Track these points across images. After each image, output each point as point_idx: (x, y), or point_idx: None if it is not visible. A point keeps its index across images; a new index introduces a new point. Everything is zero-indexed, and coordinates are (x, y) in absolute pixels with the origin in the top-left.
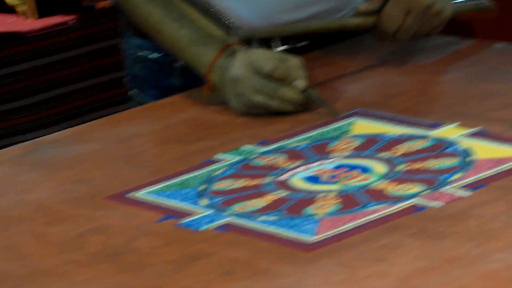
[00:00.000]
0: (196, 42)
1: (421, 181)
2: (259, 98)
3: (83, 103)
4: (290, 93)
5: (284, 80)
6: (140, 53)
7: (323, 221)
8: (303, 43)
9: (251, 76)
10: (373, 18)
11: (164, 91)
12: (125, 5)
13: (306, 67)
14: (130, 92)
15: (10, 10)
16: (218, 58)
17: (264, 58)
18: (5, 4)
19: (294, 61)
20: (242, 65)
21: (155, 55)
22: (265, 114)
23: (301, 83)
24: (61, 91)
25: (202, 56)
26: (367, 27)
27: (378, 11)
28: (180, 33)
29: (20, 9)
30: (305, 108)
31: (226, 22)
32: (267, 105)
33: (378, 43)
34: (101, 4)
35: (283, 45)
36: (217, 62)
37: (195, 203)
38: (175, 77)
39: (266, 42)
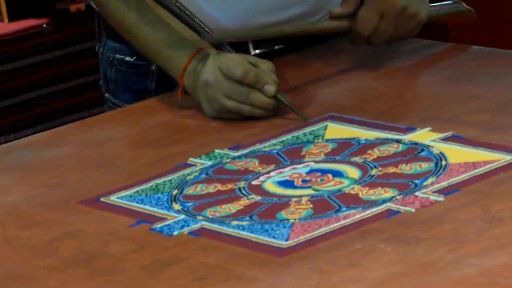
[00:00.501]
0: (170, 46)
1: (394, 185)
2: (230, 103)
3: (57, 106)
4: (261, 98)
5: (255, 85)
6: (115, 56)
7: (296, 226)
8: (278, 47)
9: (222, 81)
10: (347, 22)
11: (139, 95)
12: (101, 9)
13: (278, 71)
14: (105, 95)
15: None
16: (191, 62)
17: (235, 63)
18: None
19: (265, 66)
20: (213, 69)
21: (130, 58)
22: (238, 119)
23: (271, 88)
24: (34, 94)
25: (176, 60)
26: (341, 30)
27: (352, 15)
28: (154, 37)
29: None
30: (277, 112)
31: (201, 25)
32: (238, 110)
33: (353, 46)
34: (75, 7)
35: (258, 48)
36: (190, 66)
37: (168, 208)
38: (150, 81)
39: (240, 45)
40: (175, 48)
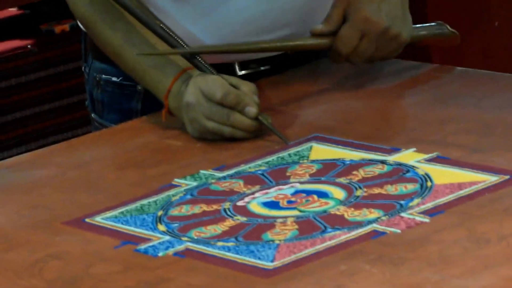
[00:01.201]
0: (155, 67)
1: (380, 206)
2: (211, 124)
3: (41, 127)
4: (242, 120)
5: (235, 107)
6: (101, 77)
7: (282, 247)
8: (264, 68)
9: (203, 103)
10: (328, 40)
11: (125, 115)
12: (88, 30)
13: (263, 92)
14: (91, 115)
15: None
16: (175, 83)
17: (216, 85)
18: None
19: (247, 88)
20: (194, 91)
21: (116, 79)
22: (221, 140)
23: (252, 110)
24: (19, 115)
25: (160, 81)
26: (322, 48)
27: (334, 33)
28: (140, 59)
29: None
30: (258, 134)
31: (173, 37)
32: (219, 131)
33: (337, 67)
34: (60, 28)
35: (244, 69)
36: (174, 88)
37: (153, 228)
38: (136, 101)
39: (226, 66)
40: (160, 69)
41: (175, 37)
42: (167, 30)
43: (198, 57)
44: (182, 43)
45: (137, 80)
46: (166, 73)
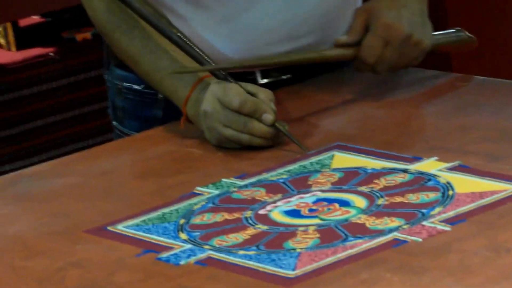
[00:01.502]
0: (172, 75)
1: (401, 215)
2: (229, 132)
3: (62, 135)
4: (259, 127)
5: (253, 115)
6: (123, 85)
7: (303, 255)
8: (285, 76)
9: (220, 111)
10: (352, 50)
11: (146, 123)
12: (106, 38)
13: (284, 101)
14: (113, 123)
15: None
16: (193, 92)
17: (233, 93)
18: None
19: (264, 95)
20: (212, 99)
21: (138, 86)
22: (239, 148)
23: (269, 117)
24: (40, 123)
25: (178, 89)
26: (346, 59)
27: (357, 43)
28: (158, 65)
29: (0, 41)
30: (276, 142)
31: (202, 55)
32: (237, 139)
33: (357, 76)
34: (81, 36)
35: (265, 78)
36: (192, 96)
37: (175, 237)
38: (157, 109)
39: (247, 74)
40: (178, 77)
41: (191, 45)
42: (183, 38)
43: (214, 65)
44: (198, 51)
45: (155, 88)
46: (184, 81)
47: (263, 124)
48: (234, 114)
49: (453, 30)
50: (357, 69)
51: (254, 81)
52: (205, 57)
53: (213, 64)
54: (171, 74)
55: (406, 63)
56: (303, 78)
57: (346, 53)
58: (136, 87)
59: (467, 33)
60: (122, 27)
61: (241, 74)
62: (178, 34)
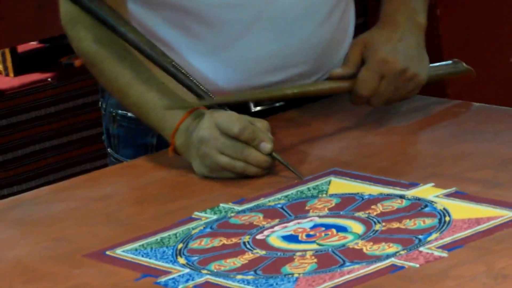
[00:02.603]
0: (163, 105)
1: (398, 241)
2: (224, 159)
3: (60, 159)
4: (256, 155)
5: (251, 142)
6: (118, 112)
7: (300, 280)
8: (279, 104)
9: (218, 137)
10: (347, 83)
11: (140, 150)
12: (93, 68)
13: (279, 128)
14: (107, 150)
15: None
16: (184, 121)
17: (232, 119)
18: None
19: (261, 124)
20: (210, 126)
21: (132, 114)
22: (229, 177)
23: (267, 145)
24: (38, 147)
25: (168, 119)
26: (342, 91)
27: (352, 76)
28: (147, 96)
29: None
30: (268, 172)
31: (199, 86)
32: (231, 166)
33: (350, 103)
34: (79, 62)
35: (258, 105)
36: (182, 125)
37: (173, 261)
38: (151, 136)
39: (240, 103)
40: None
41: (186, 74)
42: (178, 68)
43: (210, 95)
44: (192, 79)
45: (140, 118)
46: (174, 111)
47: (260, 152)
48: (232, 140)
49: (451, 62)
50: (353, 102)
51: (247, 109)
52: (201, 87)
53: (209, 93)
54: (166, 109)
55: (402, 96)
56: (295, 105)
57: (341, 86)
58: (130, 114)
59: (464, 64)
60: (112, 58)
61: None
62: (173, 63)
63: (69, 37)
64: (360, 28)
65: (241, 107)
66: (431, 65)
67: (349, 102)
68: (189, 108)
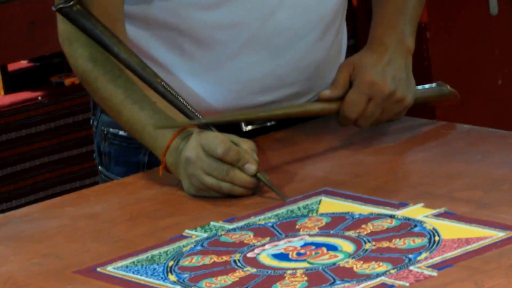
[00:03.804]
0: (154, 124)
1: (388, 260)
2: (210, 180)
3: (50, 177)
4: (241, 176)
5: (235, 163)
6: (109, 130)
7: None
8: (270, 123)
9: (203, 158)
10: (335, 105)
11: (131, 168)
12: (88, 86)
13: (269, 148)
14: (98, 168)
15: None
16: (174, 140)
17: (217, 141)
18: None
19: (247, 145)
20: (195, 146)
21: (123, 132)
22: (218, 197)
23: (252, 167)
24: (28, 165)
25: (159, 138)
26: (330, 113)
27: (340, 98)
28: (139, 115)
29: None
30: (255, 191)
31: (187, 107)
32: (217, 187)
33: None
34: (69, 81)
35: (250, 124)
36: (172, 144)
37: (164, 278)
38: (143, 155)
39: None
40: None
41: (175, 95)
42: (168, 88)
43: (198, 114)
44: (182, 100)
45: (134, 137)
46: (164, 130)
47: (244, 173)
48: (217, 162)
49: (435, 84)
50: (340, 123)
51: (239, 128)
52: (189, 107)
53: (197, 114)
54: (155, 128)
55: (389, 118)
56: (287, 125)
57: (329, 108)
58: (122, 133)
59: (448, 87)
60: (106, 76)
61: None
62: (163, 83)
63: (66, 55)
64: (350, 49)
65: (232, 127)
66: (417, 87)
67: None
68: (179, 127)
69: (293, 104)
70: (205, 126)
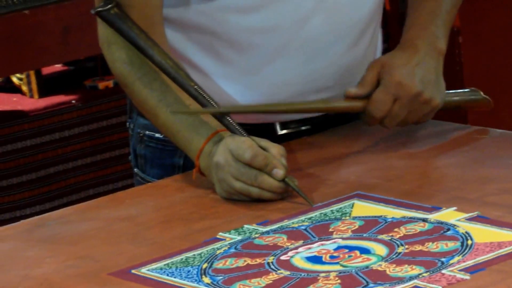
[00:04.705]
0: (188, 128)
1: (421, 263)
2: (239, 185)
3: (83, 179)
4: (269, 181)
5: (263, 168)
6: (145, 133)
7: None
8: (304, 128)
9: (232, 163)
10: (361, 103)
11: (167, 170)
12: (126, 89)
13: (302, 152)
14: (134, 170)
15: (15, 89)
16: (207, 144)
17: (245, 146)
18: (10, 83)
19: (276, 150)
20: (224, 152)
21: (159, 135)
22: (248, 200)
23: (280, 172)
24: (61, 168)
25: (193, 141)
26: (355, 111)
27: (367, 96)
28: (174, 118)
29: (24, 88)
30: (285, 196)
31: (204, 96)
32: (247, 192)
33: (375, 127)
34: (103, 84)
35: (285, 128)
36: (206, 148)
37: (198, 281)
38: (178, 157)
39: (267, 125)
40: (193, 130)
41: (208, 98)
42: (200, 91)
43: (229, 119)
44: (214, 104)
45: (170, 139)
46: (198, 134)
47: (273, 178)
48: (245, 167)
49: (468, 90)
50: (365, 122)
51: (273, 132)
52: (209, 99)
53: (229, 120)
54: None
55: (416, 120)
56: (322, 129)
57: (355, 105)
58: (158, 135)
59: (482, 93)
60: (142, 79)
61: (261, 125)
62: (195, 87)
63: (105, 58)
64: (383, 53)
65: (267, 130)
66: (449, 91)
67: (371, 127)
68: (197, 114)
69: (315, 99)
70: (235, 128)
